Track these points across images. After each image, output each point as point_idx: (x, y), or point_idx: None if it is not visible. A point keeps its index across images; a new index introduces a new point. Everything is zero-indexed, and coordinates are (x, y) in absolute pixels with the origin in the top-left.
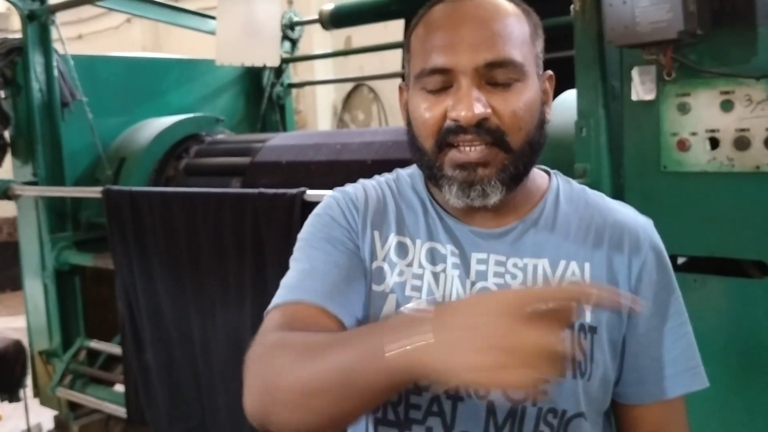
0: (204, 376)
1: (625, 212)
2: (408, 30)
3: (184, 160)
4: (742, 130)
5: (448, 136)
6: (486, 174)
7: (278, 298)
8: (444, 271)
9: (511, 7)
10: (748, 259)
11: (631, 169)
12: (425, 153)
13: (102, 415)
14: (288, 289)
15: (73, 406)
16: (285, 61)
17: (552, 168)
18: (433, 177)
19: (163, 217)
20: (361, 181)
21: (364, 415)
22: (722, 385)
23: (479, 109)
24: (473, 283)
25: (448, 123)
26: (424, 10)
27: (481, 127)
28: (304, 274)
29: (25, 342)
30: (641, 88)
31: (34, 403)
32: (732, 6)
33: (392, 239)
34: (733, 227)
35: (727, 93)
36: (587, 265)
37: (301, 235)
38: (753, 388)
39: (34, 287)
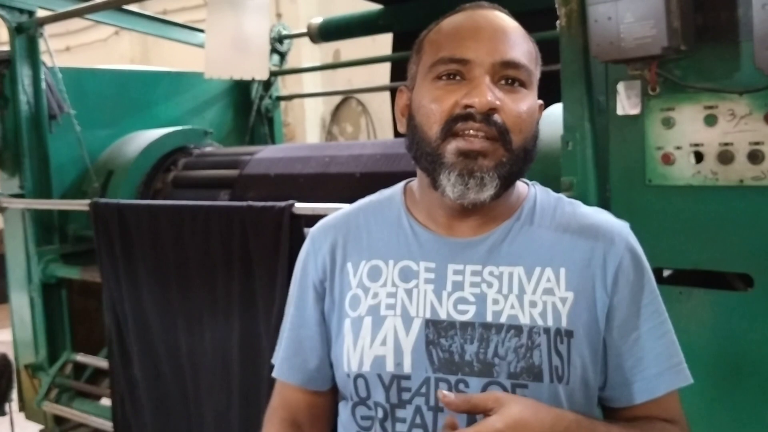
0: (191, 389)
1: (599, 217)
2: (418, 38)
3: (173, 172)
4: (726, 144)
5: (455, 123)
6: (486, 164)
7: (282, 365)
8: (417, 286)
9: (520, 28)
10: (732, 271)
11: (617, 183)
12: (428, 141)
13: (88, 429)
14: (280, 354)
15: (59, 420)
16: (274, 74)
17: (539, 181)
18: (431, 166)
19: (150, 230)
20: (343, 211)
21: None
22: (708, 397)
23: (492, 98)
24: (450, 294)
25: (459, 110)
26: (439, 20)
27: (489, 118)
28: (290, 341)
29: (11, 355)
30: (626, 103)
31: (19, 417)
32: (715, 22)
33: (364, 266)
34: (717, 240)
35: (710, 108)
36: (563, 270)
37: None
38: (739, 399)
39: (21, 300)
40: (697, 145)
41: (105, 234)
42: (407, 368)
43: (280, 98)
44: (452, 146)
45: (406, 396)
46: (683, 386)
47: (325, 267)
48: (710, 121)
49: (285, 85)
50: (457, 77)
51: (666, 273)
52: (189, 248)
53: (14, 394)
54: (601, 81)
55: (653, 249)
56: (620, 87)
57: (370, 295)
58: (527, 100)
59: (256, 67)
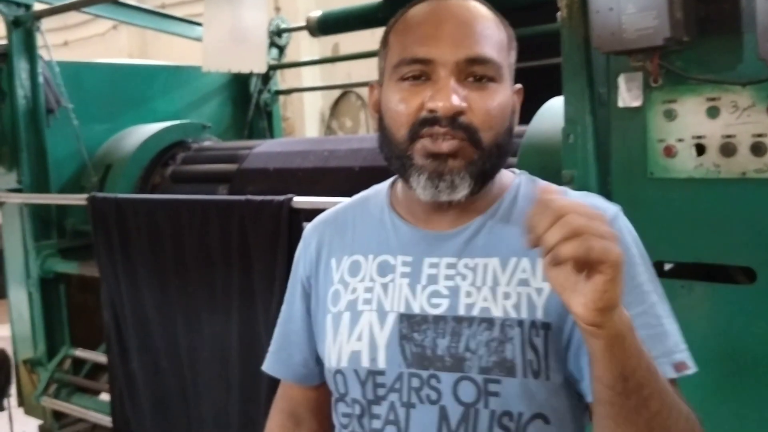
0: (190, 384)
1: (586, 201)
2: (385, 29)
3: (171, 167)
4: (729, 136)
5: (422, 126)
6: (456, 165)
7: (270, 359)
8: (393, 281)
9: (489, 14)
10: (735, 265)
11: (619, 176)
12: (396, 143)
13: (87, 424)
14: (274, 350)
15: (58, 415)
16: (272, 68)
17: (540, 175)
18: (402, 168)
19: (148, 225)
20: (335, 207)
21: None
22: (710, 391)
23: (457, 101)
24: (424, 287)
25: (424, 114)
26: (404, 10)
27: (455, 121)
28: (278, 336)
29: (10, 351)
30: (628, 95)
31: (18, 413)
32: (718, 13)
33: (346, 261)
34: (719, 233)
35: (713, 100)
36: (540, 261)
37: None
38: (741, 394)
39: (19, 295)
40: (699, 137)
41: (103, 228)
42: (381, 363)
43: (278, 92)
44: (420, 146)
45: (381, 392)
46: (685, 375)
47: (311, 263)
48: (712, 113)
49: (284, 79)
50: (422, 77)
51: (668, 266)
52: (187, 242)
53: (13, 390)
54: (603, 73)
55: (655, 242)
56: (621, 79)
57: (349, 291)
58: (497, 95)
59: (254, 60)
